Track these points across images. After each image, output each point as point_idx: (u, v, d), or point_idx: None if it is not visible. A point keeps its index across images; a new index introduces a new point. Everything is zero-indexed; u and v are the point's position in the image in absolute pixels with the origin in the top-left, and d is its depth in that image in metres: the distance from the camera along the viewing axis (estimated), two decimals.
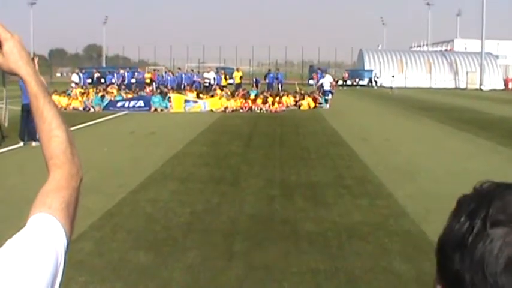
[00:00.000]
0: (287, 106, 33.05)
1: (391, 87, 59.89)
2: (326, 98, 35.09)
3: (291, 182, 12.05)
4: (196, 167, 13.72)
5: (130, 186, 11.29)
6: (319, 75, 47.03)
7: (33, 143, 16.85)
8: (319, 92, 36.71)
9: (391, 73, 76.98)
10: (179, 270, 6.79)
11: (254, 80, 43.87)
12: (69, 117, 22.69)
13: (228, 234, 8.32)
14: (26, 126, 17.06)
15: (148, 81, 46.94)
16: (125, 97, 34.10)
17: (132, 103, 31.66)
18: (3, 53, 1.59)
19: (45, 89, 1.63)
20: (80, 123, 23.39)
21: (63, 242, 1.41)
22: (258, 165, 14.04)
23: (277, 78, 48.46)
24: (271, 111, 31.16)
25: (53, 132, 1.61)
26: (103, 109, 30.95)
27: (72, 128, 21.19)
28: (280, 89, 42.12)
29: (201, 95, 33.94)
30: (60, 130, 1.63)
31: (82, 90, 35.58)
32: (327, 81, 36.08)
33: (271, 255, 7.39)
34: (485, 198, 0.98)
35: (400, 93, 55.16)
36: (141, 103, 31.60)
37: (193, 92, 36.02)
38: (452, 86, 77.20)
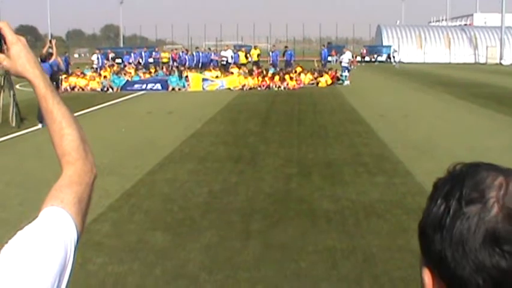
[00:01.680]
0: (304, 83, 32.93)
1: (394, 62, 59.73)
2: (344, 74, 34.86)
3: (308, 160, 12.03)
4: (214, 146, 13.74)
5: (148, 167, 11.33)
6: (324, 52, 46.86)
7: (39, 125, 16.95)
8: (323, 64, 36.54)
9: (410, 49, 76.40)
10: (196, 250, 6.82)
11: (271, 59, 43.57)
12: (87, 98, 23.04)
13: (245, 213, 8.34)
14: None
15: (165, 60, 46.92)
16: (142, 77, 34.16)
17: (149, 85, 31.69)
18: (10, 56, 1.60)
19: (53, 89, 1.64)
20: (98, 104, 23.53)
21: (73, 236, 1.41)
22: (276, 144, 14.03)
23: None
24: (289, 88, 31.08)
25: (64, 131, 1.62)
26: (121, 89, 31.03)
27: (90, 109, 21.39)
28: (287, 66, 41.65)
29: (218, 75, 33.86)
30: (71, 128, 1.64)
31: (98, 73, 35.62)
32: (346, 58, 35.80)
33: (288, 234, 7.40)
34: (458, 178, 1.02)
35: (408, 67, 54.81)
36: (158, 86, 31.61)
37: (211, 70, 35.96)
38: (472, 61, 76.38)
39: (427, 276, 1.05)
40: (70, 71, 36.85)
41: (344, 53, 37.62)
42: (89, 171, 1.61)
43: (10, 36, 1.59)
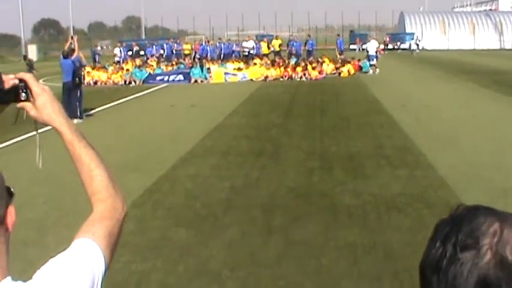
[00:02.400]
0: (327, 73, 32.85)
1: (417, 50, 59.38)
2: (371, 63, 34.59)
3: (331, 153, 12.07)
4: (236, 140, 13.82)
5: (171, 162, 11.45)
6: (339, 42, 46.36)
7: (75, 121, 17.11)
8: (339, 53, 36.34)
9: (433, 35, 75.68)
10: (218, 247, 6.92)
11: (291, 48, 43.35)
12: (109, 92, 23.20)
13: (267, 209, 8.42)
14: (68, 104, 17.35)
15: (187, 52, 47.02)
16: (164, 70, 34.30)
17: (171, 77, 31.81)
18: (36, 107, 1.69)
19: (79, 134, 1.74)
20: (120, 98, 23.70)
21: (101, 267, 1.53)
22: (298, 136, 14.08)
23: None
24: (311, 78, 31.04)
25: (93, 172, 1.73)
26: (143, 82, 31.20)
27: (113, 104, 21.56)
28: (309, 56, 41.36)
29: (240, 66, 33.86)
30: (100, 169, 1.75)
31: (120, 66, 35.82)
32: (372, 46, 35.46)
33: (309, 230, 7.47)
34: (456, 222, 1.08)
35: (432, 55, 54.34)
36: (180, 77, 31.71)
37: (233, 62, 35.99)
38: (497, 47, 75.50)
39: None
40: (100, 63, 37.55)
41: (369, 41, 37.29)
42: (119, 208, 1.74)
43: (36, 88, 1.69)
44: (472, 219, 1.06)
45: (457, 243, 1.04)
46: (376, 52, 35.35)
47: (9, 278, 1.36)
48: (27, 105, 1.69)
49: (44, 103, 1.69)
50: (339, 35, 50.93)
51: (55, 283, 1.38)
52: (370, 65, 34.53)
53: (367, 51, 35.70)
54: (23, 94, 1.67)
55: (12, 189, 1.46)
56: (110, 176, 1.76)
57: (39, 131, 1.83)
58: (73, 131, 1.73)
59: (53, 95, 1.73)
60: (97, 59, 42.10)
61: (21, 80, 1.66)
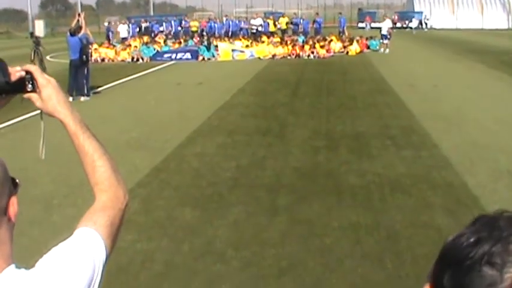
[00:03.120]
0: (334, 52, 32.73)
1: (411, 28, 59.33)
2: (384, 41, 34.31)
3: (337, 132, 12.09)
4: (243, 119, 13.85)
5: (177, 141, 11.49)
6: (342, 20, 46.03)
7: (82, 98, 17.21)
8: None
9: (442, 14, 75.12)
10: (224, 227, 6.99)
11: (294, 27, 43.18)
12: (116, 69, 23.19)
13: (272, 188, 8.47)
14: (75, 81, 17.41)
15: (194, 29, 46.83)
16: (172, 47, 34.22)
17: (179, 55, 31.73)
18: (42, 98, 1.73)
19: (83, 125, 1.77)
20: (128, 75, 23.70)
21: (102, 257, 1.57)
22: (304, 115, 14.09)
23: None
24: (319, 57, 30.95)
25: (95, 163, 1.76)
26: (150, 59, 31.16)
27: (119, 81, 21.59)
28: (317, 34, 41.11)
29: (248, 44, 33.75)
30: (103, 160, 1.77)
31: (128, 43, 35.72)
32: (385, 26, 35.14)
33: (314, 209, 7.52)
34: (495, 233, 1.05)
35: (440, 34, 53.99)
36: (188, 55, 31.62)
37: (241, 40, 35.87)
38: (506, 26, 74.90)
39: None
40: (114, 40, 37.72)
41: (384, 20, 36.95)
42: (121, 197, 1.76)
43: (41, 79, 1.72)
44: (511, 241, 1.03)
45: (486, 254, 1.02)
46: (388, 32, 35.04)
47: (13, 266, 1.40)
48: (33, 96, 1.72)
49: (49, 95, 1.72)
50: (341, 13, 50.27)
51: (57, 272, 1.43)
52: (381, 43, 34.31)
53: (381, 30, 35.32)
54: (29, 85, 1.70)
55: (17, 181, 1.50)
56: (113, 167, 1.79)
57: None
58: (77, 123, 1.75)
59: (58, 87, 1.76)
60: (111, 37, 42.02)
61: (27, 72, 1.70)
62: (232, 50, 32.33)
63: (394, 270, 5.76)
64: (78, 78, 17.53)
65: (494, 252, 1.02)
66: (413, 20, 67.18)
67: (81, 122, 1.77)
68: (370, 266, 5.89)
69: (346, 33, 40.31)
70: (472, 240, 1.05)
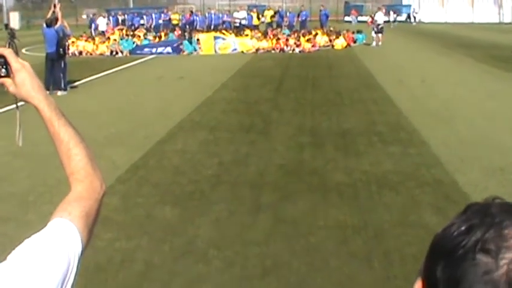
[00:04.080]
0: (320, 46, 32.76)
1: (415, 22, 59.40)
2: (378, 35, 34.23)
3: (322, 129, 12.09)
4: (225, 114, 13.82)
5: (158, 137, 11.45)
6: (323, 13, 45.56)
7: (59, 93, 17.10)
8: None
9: (431, 7, 75.40)
10: (205, 225, 6.96)
11: (278, 19, 43.12)
12: (95, 63, 23.04)
13: (255, 186, 8.46)
14: (51, 75, 17.28)
15: (175, 22, 46.60)
16: (152, 41, 34.04)
17: (159, 49, 31.58)
18: (16, 83, 1.70)
19: (58, 112, 1.74)
20: (107, 69, 23.60)
21: (77, 249, 1.52)
22: (289, 112, 14.08)
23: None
24: (304, 51, 30.98)
25: (71, 152, 1.73)
26: (130, 53, 31.03)
27: (98, 75, 21.46)
28: (302, 27, 40.97)
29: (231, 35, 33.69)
30: (79, 148, 1.74)
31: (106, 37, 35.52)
32: (379, 18, 34.98)
33: (298, 208, 7.51)
34: (487, 218, 1.03)
35: (429, 28, 54.23)
36: (169, 49, 31.48)
37: (223, 33, 35.79)
38: (496, 20, 75.33)
39: (417, 286, 1.09)
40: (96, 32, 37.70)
41: (377, 12, 36.74)
42: (97, 187, 1.73)
43: (15, 64, 1.69)
44: (507, 225, 1.01)
45: (479, 240, 1.00)
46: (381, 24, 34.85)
47: None
48: (6, 81, 1.69)
49: (23, 79, 1.69)
50: (323, 6, 49.18)
51: (29, 265, 1.39)
52: (376, 36, 34.25)
53: (377, 23, 35.10)
54: (3, 70, 1.67)
55: None
56: (89, 155, 1.76)
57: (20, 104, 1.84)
58: (52, 109, 1.72)
59: (32, 71, 1.73)
60: (93, 28, 41.78)
61: (0, 56, 1.67)
62: (215, 38, 32.20)
63: (381, 271, 5.76)
64: (55, 72, 17.41)
65: (488, 238, 0.99)
66: (415, 15, 67.21)
67: (57, 108, 1.74)
68: (357, 266, 5.89)
69: (329, 27, 40.23)
70: (463, 228, 1.03)
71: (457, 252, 1.01)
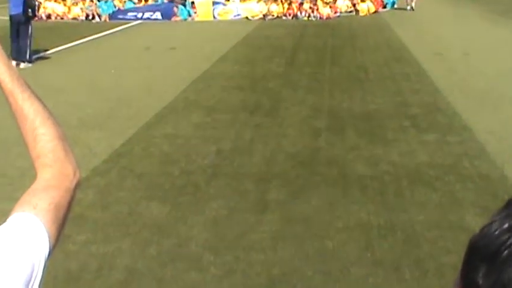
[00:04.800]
0: (341, 11, 32.66)
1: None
2: None
3: (342, 110, 12.08)
4: (226, 92, 13.82)
5: (144, 119, 11.46)
6: None
7: (22, 65, 17.04)
8: None
9: None
10: (200, 225, 6.98)
11: None
12: (67, 30, 22.94)
13: (261, 179, 8.46)
14: (16, 43, 17.21)
15: None
16: (137, 3, 33.76)
17: (146, 14, 31.40)
18: None
19: (22, 83, 1.73)
20: (81, 37, 23.54)
21: (44, 249, 1.49)
22: (303, 89, 14.07)
23: None
24: (321, 17, 30.88)
25: (38, 131, 1.71)
26: (109, 18, 30.94)
27: (71, 44, 21.42)
28: None
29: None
30: (46, 126, 1.72)
31: None
32: None
33: (313, 205, 7.52)
34: None
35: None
36: (157, 15, 31.28)
37: None
38: None
39: None
40: None
41: None
42: (69, 175, 1.71)
43: None
44: None
45: None
46: None
47: None
48: None
49: None
50: None
51: None
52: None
53: None
54: None
55: None
56: (60, 135, 1.74)
57: None
58: (14, 79, 1.72)
59: None
60: None
61: None
62: (214, 3, 32.06)
63: (413, 282, 5.77)
64: (21, 38, 17.34)
65: None
66: None
67: (20, 79, 1.73)
68: (383, 276, 5.89)
69: None
70: (506, 226, 1.03)
71: (501, 253, 1.00)
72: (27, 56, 17.44)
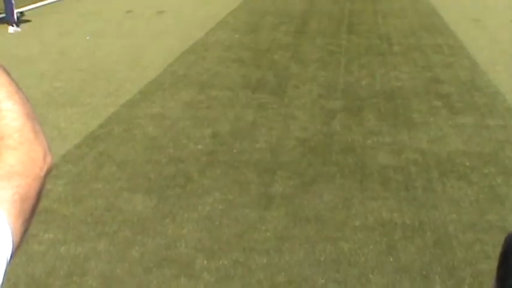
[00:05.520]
0: None
1: None
2: None
3: (361, 88, 12.08)
4: (223, 66, 13.81)
5: (126, 95, 11.44)
6: None
7: (10, 29, 17.07)
8: None
9: None
10: (192, 223, 6.97)
11: None
12: None
13: (265, 169, 8.46)
14: None
15: None
16: None
17: None
18: None
19: None
20: None
21: (4, 251, 1.45)
22: (314, 63, 14.06)
23: None
24: None
25: (1, 106, 1.67)
26: None
27: (36, 5, 21.34)
28: None
29: None
30: (12, 101, 1.69)
31: None
32: None
33: (325, 201, 7.51)
34: None
35: None
36: None
37: None
38: None
39: None
40: None
41: None
42: (39, 160, 1.68)
43: None
44: None
45: None
46: None
47: None
48: None
49: None
50: None
51: None
52: None
53: None
54: None
55: None
56: (29, 112, 1.71)
57: None
58: None
59: None
60: None
61: None
62: None
63: None
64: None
65: None
66: None
67: None
68: (409, 285, 5.90)
69: None
70: None
71: None
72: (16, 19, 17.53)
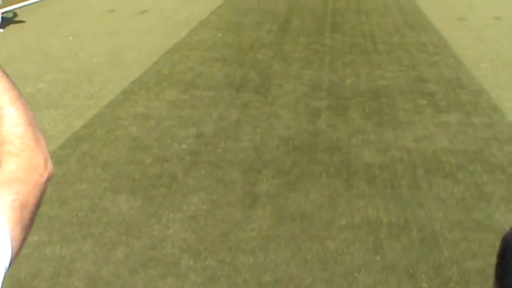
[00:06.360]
0: None
1: None
2: None
3: (346, 87, 12.10)
4: (206, 65, 13.80)
5: (109, 96, 11.42)
6: None
7: None
8: None
9: None
10: (177, 223, 6.97)
11: None
12: None
13: (249, 168, 8.47)
14: None
15: None
16: None
17: None
18: None
19: None
20: None
21: (3, 258, 1.46)
22: (298, 62, 14.07)
23: None
24: None
25: (3, 111, 1.68)
26: None
27: (17, 5, 21.27)
28: None
29: None
30: (14, 107, 1.70)
31: None
32: None
33: (311, 200, 7.53)
34: None
35: None
36: None
37: None
38: None
39: None
40: None
41: None
42: (39, 167, 1.69)
43: None
44: None
45: None
46: None
47: None
48: None
49: None
50: None
51: None
52: None
53: None
54: None
55: None
56: (30, 119, 1.72)
57: None
58: None
59: None
60: None
61: None
62: None
63: None
64: None
65: None
66: None
67: None
68: (396, 284, 5.92)
69: None
70: None
71: None
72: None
